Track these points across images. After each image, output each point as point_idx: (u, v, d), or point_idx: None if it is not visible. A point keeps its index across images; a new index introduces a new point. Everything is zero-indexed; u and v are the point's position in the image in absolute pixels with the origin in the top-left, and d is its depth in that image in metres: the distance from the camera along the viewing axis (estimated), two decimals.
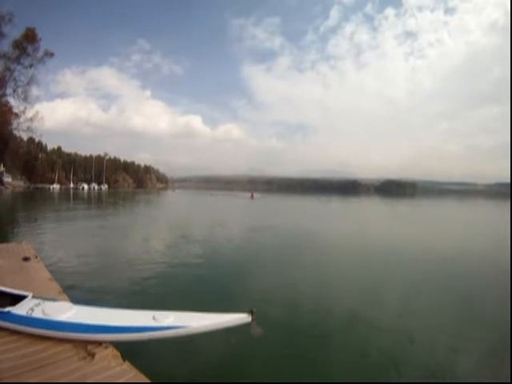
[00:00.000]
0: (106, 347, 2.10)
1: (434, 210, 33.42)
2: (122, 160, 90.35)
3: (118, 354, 2.04)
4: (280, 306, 4.60)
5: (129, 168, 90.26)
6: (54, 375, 1.78)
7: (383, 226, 16.92)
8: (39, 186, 62.52)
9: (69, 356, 1.98)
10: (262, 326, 2.34)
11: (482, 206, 44.61)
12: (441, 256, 8.54)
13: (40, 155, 70.06)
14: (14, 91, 35.18)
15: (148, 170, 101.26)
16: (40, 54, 35.42)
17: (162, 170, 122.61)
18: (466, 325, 4.25)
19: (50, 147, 74.38)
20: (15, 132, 40.75)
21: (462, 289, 5.78)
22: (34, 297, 2.52)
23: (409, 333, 3.93)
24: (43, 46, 36.05)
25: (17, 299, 2.44)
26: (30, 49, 34.69)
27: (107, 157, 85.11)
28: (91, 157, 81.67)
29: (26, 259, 4.20)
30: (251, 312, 2.35)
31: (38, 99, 38.44)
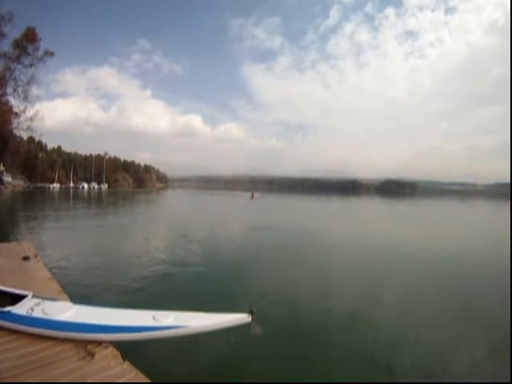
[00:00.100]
0: (106, 347, 2.09)
1: (434, 210, 33.43)
2: (122, 159, 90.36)
3: (118, 353, 2.04)
4: (280, 306, 4.60)
5: (129, 167, 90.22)
6: (54, 375, 1.78)
7: (383, 225, 16.92)
8: (39, 185, 62.51)
9: (69, 356, 1.98)
10: (262, 326, 2.34)
11: (481, 206, 44.62)
12: (441, 256, 8.54)
13: (40, 154, 70.04)
14: (15, 90, 35.12)
15: (148, 169, 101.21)
16: (40, 53, 35.33)
17: (162, 169, 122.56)
18: (466, 325, 4.25)
19: (50, 146, 74.45)
20: (15, 131, 40.65)
21: (461, 289, 5.79)
22: (33, 296, 2.52)
23: (409, 333, 3.94)
24: (43, 45, 35.96)
25: (17, 299, 2.43)
26: (30, 48, 34.62)
27: (107, 156, 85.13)
28: (91, 156, 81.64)
29: (25, 259, 4.19)
30: (251, 312, 2.35)
31: (38, 99, 38.26)
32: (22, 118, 36.83)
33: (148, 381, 1.84)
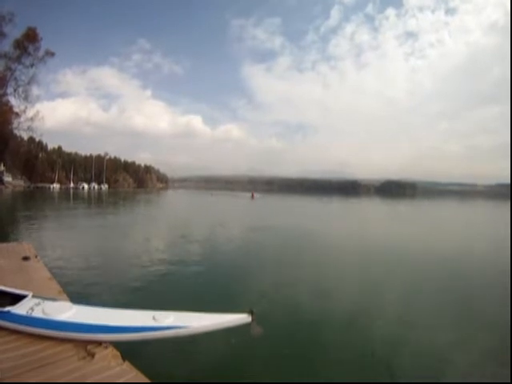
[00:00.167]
0: (106, 347, 2.09)
1: (435, 210, 33.44)
2: (122, 160, 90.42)
3: (118, 353, 2.04)
4: (280, 306, 4.60)
5: (129, 168, 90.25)
6: (54, 375, 1.78)
7: (383, 226, 16.93)
8: (39, 185, 62.56)
9: (69, 356, 1.98)
10: (262, 326, 2.34)
11: (482, 206, 44.61)
12: (441, 256, 8.54)
13: (40, 155, 70.11)
14: (15, 91, 35.16)
15: (148, 169, 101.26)
16: (41, 53, 35.39)
17: (163, 169, 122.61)
18: (466, 325, 4.25)
19: (50, 147, 74.53)
20: (16, 131, 40.71)
21: (462, 289, 5.79)
22: (33, 296, 2.52)
23: (409, 333, 3.94)
24: (44, 45, 36.01)
25: (17, 299, 2.43)
26: (30, 48, 34.67)
27: (107, 156, 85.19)
28: (91, 156, 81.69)
29: (25, 259, 4.19)
30: (251, 312, 2.35)
31: (38, 99, 38.30)
32: (22, 118, 36.90)
33: (148, 381, 1.83)
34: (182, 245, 9.27)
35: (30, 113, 36.65)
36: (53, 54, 36.21)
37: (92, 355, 1.99)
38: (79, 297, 3.64)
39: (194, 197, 52.47)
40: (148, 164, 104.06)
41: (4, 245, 5.20)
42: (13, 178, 56.35)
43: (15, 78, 34.77)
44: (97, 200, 36.01)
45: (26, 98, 35.44)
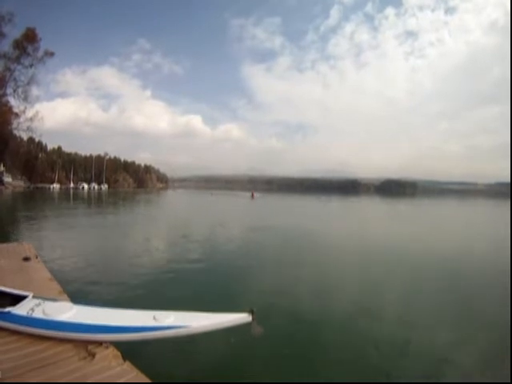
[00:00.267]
0: (107, 347, 2.10)
1: (435, 209, 33.42)
2: (122, 160, 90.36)
3: (119, 353, 2.05)
4: (280, 306, 4.60)
5: (129, 168, 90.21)
6: (55, 375, 1.78)
7: (383, 225, 16.92)
8: (39, 185, 62.53)
9: (69, 356, 1.99)
10: (263, 326, 2.34)
11: (482, 205, 44.59)
12: (441, 256, 8.55)
13: (40, 155, 70.07)
14: (14, 91, 35.16)
15: (148, 169, 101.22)
16: (40, 53, 35.38)
17: (163, 169, 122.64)
18: (466, 325, 4.25)
19: (50, 147, 74.50)
20: (15, 132, 40.74)
21: (462, 289, 5.79)
22: (34, 297, 2.52)
23: (409, 333, 3.94)
24: (43, 45, 36.01)
25: (17, 299, 2.44)
26: (30, 48, 34.65)
27: (107, 156, 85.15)
28: (91, 156, 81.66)
29: (26, 259, 4.20)
30: (251, 312, 2.35)
31: (38, 99, 38.36)
32: (21, 119, 36.92)
33: (148, 381, 1.84)
34: (182, 244, 9.27)
35: (30, 113, 36.70)
36: (52, 54, 36.23)
37: (93, 355, 1.99)
38: (80, 297, 3.64)
39: (193, 197, 52.46)
40: (148, 164, 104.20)
41: (4, 245, 5.21)
42: (13, 179, 56.30)
43: (14, 79, 34.79)
44: (97, 200, 36.00)
45: (25, 99, 35.47)
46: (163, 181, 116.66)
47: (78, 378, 1.77)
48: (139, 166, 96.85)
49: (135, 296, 4.88)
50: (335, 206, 35.78)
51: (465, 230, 15.74)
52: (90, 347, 2.07)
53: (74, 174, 74.32)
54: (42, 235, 10.10)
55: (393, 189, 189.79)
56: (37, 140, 58.41)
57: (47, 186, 63.60)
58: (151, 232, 12.25)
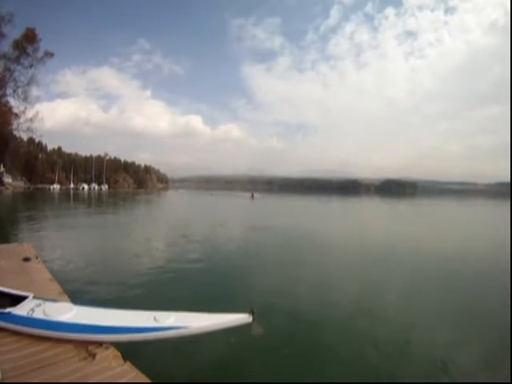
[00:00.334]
0: (107, 348, 2.10)
1: (435, 209, 33.40)
2: (122, 160, 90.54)
3: (119, 354, 2.05)
4: (280, 306, 4.60)
5: (129, 168, 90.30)
6: (55, 375, 1.78)
7: (383, 225, 16.92)
8: (39, 186, 62.59)
9: (70, 356, 1.99)
10: (263, 326, 2.35)
11: (482, 205, 44.58)
12: (441, 256, 8.54)
13: (40, 155, 70.14)
14: (14, 91, 35.27)
15: (148, 170, 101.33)
16: (40, 54, 35.50)
17: (163, 170, 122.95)
18: (466, 325, 4.25)
19: (50, 147, 74.67)
20: (15, 132, 40.88)
21: (462, 289, 5.79)
22: (34, 297, 2.52)
23: (409, 333, 3.94)
24: (43, 46, 36.13)
25: (17, 300, 2.44)
26: (30, 49, 34.75)
27: (107, 157, 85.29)
28: (91, 157, 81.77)
29: (26, 260, 4.20)
30: (252, 312, 2.35)
31: (38, 99, 38.49)
32: (21, 119, 37.06)
33: (149, 381, 1.84)
34: (183, 245, 9.27)
35: (30, 113, 36.85)
36: (52, 55, 36.33)
37: (93, 356, 1.99)
38: (80, 297, 3.64)
39: (194, 197, 52.46)
40: (148, 164, 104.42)
41: (4, 246, 5.21)
42: (13, 179, 56.33)
43: (14, 79, 34.89)
44: (97, 200, 36.01)
45: (25, 99, 35.60)
46: (163, 181, 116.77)
47: (79, 379, 1.78)
48: (139, 166, 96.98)
49: (135, 296, 4.88)
50: (335, 206, 35.78)
51: (465, 230, 15.73)
52: (90, 348, 2.08)
53: (74, 175, 74.39)
54: (42, 235, 10.10)
55: (393, 189, 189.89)
56: (37, 140, 58.63)
57: (47, 186, 63.66)
58: (151, 232, 12.25)
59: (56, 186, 65.18)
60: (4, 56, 33.86)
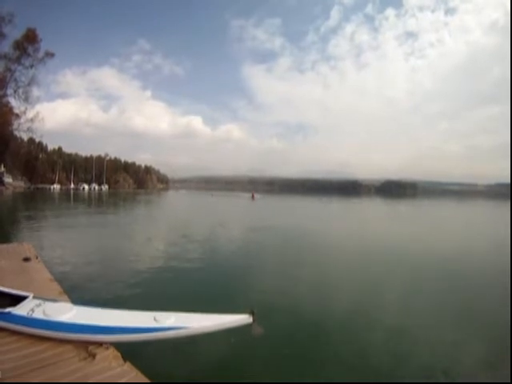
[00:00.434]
0: (107, 348, 2.10)
1: (435, 210, 33.41)
2: (122, 160, 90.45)
3: (119, 354, 2.05)
4: (280, 306, 4.60)
5: (129, 168, 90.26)
6: (55, 376, 1.79)
7: (384, 226, 16.92)
8: (40, 186, 62.58)
9: (70, 357, 1.99)
10: (263, 326, 2.35)
11: (482, 206, 44.58)
12: (441, 256, 8.54)
13: (40, 156, 70.17)
14: (15, 92, 35.36)
15: (149, 170, 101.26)
16: (41, 54, 35.57)
17: (163, 170, 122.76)
18: (466, 325, 4.25)
19: (50, 148, 74.62)
20: (16, 132, 41.00)
21: (462, 289, 5.78)
22: (34, 297, 2.52)
23: (409, 333, 3.94)
24: (44, 46, 36.20)
25: (17, 300, 2.44)
26: (30, 49, 34.82)
27: (108, 157, 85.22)
28: (92, 157, 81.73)
29: (26, 259, 4.20)
30: (252, 313, 2.35)
31: (38, 100, 38.56)
32: (22, 120, 37.14)
33: (149, 381, 1.84)
34: (183, 245, 9.27)
35: (30, 114, 36.93)
36: (52, 55, 36.41)
37: (93, 356, 1.99)
38: (80, 297, 3.64)
39: (194, 197, 52.47)
40: (148, 165, 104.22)
41: (5, 246, 5.21)
42: (13, 179, 56.33)
43: (15, 79, 34.97)
44: (97, 200, 36.01)
45: (26, 99, 35.67)
46: (163, 181, 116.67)
47: (79, 379, 1.78)
48: (139, 166, 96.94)
49: (135, 296, 4.88)
50: (336, 206, 35.78)
51: (465, 230, 15.73)
52: (90, 348, 2.08)
53: (74, 175, 74.39)
54: (43, 235, 10.11)
55: (393, 190, 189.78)
56: (37, 141, 58.73)
57: (48, 186, 63.66)
58: (151, 232, 12.25)
59: (56, 186, 65.18)
60: (5, 56, 33.96)
